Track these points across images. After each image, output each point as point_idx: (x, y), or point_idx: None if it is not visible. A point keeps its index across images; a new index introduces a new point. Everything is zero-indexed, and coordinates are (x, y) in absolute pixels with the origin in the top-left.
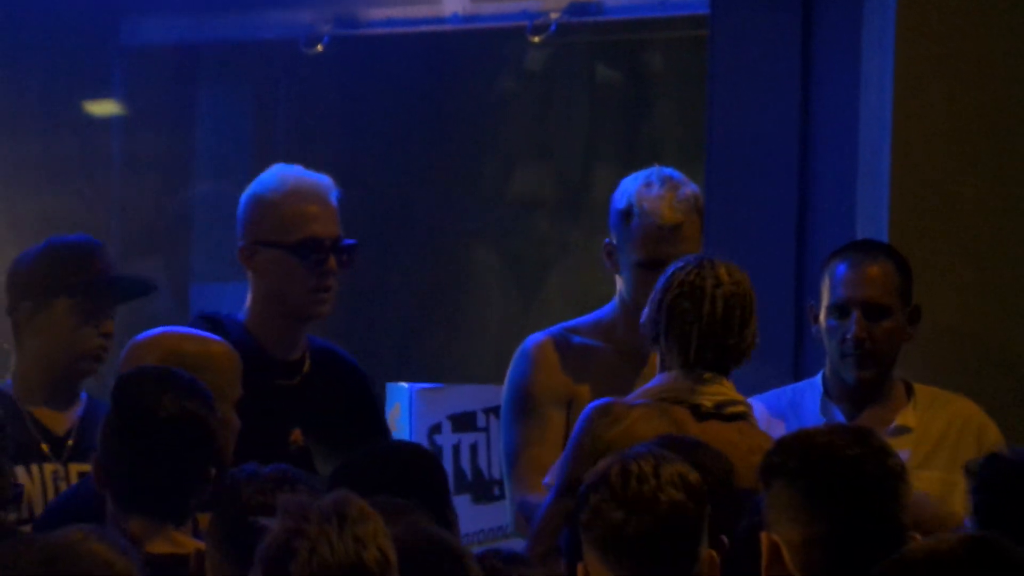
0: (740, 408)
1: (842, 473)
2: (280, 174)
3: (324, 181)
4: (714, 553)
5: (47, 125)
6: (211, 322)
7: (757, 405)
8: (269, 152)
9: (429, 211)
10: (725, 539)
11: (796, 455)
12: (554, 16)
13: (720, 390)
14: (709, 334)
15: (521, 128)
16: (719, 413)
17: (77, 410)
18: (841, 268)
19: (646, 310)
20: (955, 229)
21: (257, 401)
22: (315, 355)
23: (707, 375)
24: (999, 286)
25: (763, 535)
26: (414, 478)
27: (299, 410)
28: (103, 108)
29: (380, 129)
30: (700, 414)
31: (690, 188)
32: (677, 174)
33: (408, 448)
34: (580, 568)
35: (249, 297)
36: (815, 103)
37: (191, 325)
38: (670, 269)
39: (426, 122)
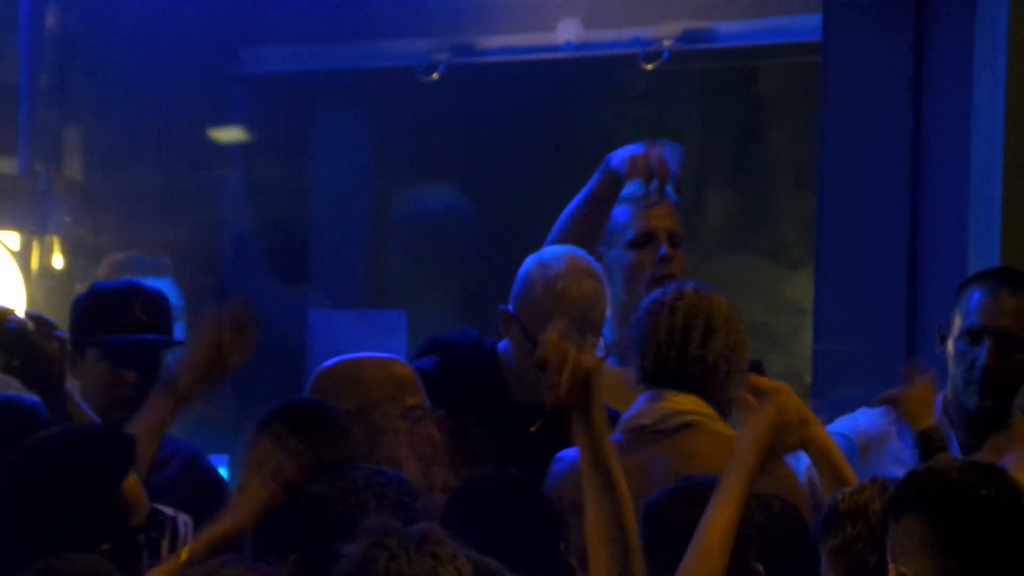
0: (688, 419)
1: (975, 512)
2: (558, 269)
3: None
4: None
5: (168, 153)
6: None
7: (863, 420)
8: (387, 180)
9: (547, 237)
10: (760, 568)
11: (928, 491)
12: (667, 43)
13: (663, 405)
14: (668, 345)
15: None
16: (661, 429)
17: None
18: (978, 294)
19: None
20: None
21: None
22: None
23: (663, 391)
24: None
25: (891, 567)
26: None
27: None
28: (223, 136)
29: (496, 156)
30: (644, 434)
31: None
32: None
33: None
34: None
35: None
36: (926, 127)
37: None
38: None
39: (541, 149)
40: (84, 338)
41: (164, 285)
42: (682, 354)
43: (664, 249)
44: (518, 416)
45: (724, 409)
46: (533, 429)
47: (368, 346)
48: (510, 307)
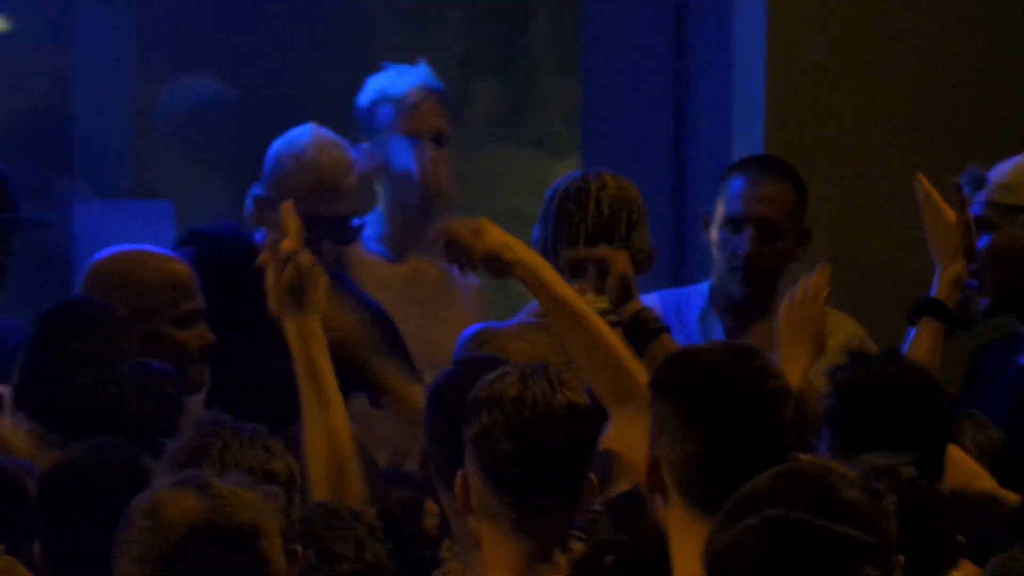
0: (614, 318)
1: (720, 392)
2: (305, 142)
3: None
4: (593, 477)
5: None
6: None
7: (650, 301)
8: (149, 70)
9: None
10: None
11: (678, 372)
12: None
13: (600, 298)
14: (595, 237)
15: (396, 41)
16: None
17: None
18: (739, 182)
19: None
20: (830, 144)
21: None
22: None
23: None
24: (874, 201)
25: (648, 454)
26: None
27: None
28: None
29: (259, 45)
30: None
31: None
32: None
33: None
34: (461, 474)
35: None
36: (690, 11)
37: None
38: (558, 181)
39: (304, 37)
40: None
41: None
42: (611, 243)
43: (428, 152)
44: None
45: None
46: None
47: (135, 238)
48: (261, 192)
